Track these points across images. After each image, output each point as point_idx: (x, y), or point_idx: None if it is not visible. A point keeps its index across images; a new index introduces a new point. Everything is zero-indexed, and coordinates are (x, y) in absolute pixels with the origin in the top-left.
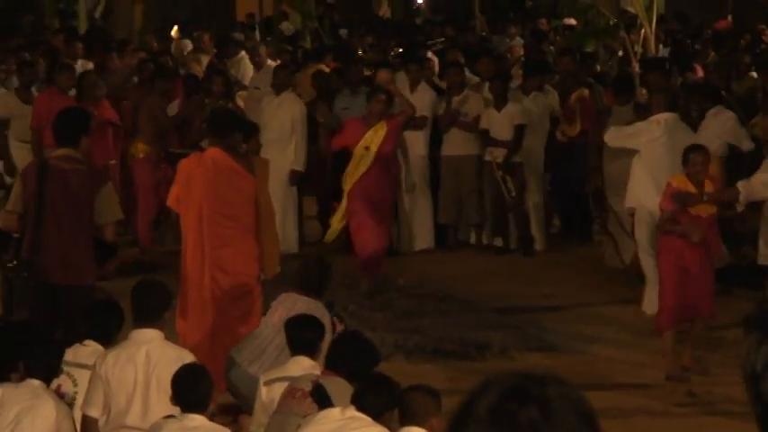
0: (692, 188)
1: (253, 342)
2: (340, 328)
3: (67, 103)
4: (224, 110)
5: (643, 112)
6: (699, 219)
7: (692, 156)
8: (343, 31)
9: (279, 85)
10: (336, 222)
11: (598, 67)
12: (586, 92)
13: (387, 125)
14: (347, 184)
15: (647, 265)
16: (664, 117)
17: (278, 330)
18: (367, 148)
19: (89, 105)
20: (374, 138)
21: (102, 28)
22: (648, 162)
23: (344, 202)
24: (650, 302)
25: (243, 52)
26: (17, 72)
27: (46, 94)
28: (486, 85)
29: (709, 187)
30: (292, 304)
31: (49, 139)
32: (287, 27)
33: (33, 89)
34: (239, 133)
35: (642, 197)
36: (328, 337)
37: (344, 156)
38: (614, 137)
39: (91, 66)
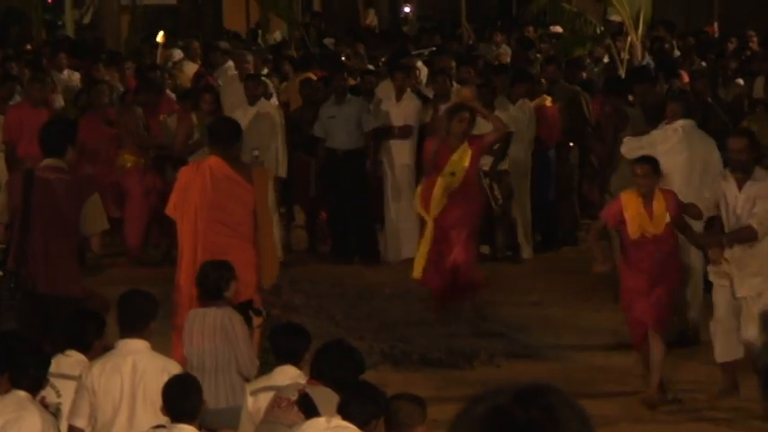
0: (640, 204)
1: None
2: (258, 322)
3: (38, 116)
4: (226, 119)
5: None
6: (645, 241)
7: (637, 168)
8: (328, 41)
9: (251, 96)
10: (422, 256)
11: (584, 75)
12: (548, 100)
13: (472, 148)
14: (432, 210)
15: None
16: (680, 124)
17: (203, 354)
18: (453, 174)
19: (98, 116)
20: (460, 162)
21: (91, 38)
22: (667, 171)
23: (429, 230)
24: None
25: (230, 61)
26: None
27: (16, 107)
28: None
29: (660, 202)
30: (202, 322)
31: (23, 151)
32: (278, 36)
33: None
34: (240, 143)
35: None
36: (247, 335)
37: (330, 163)
38: (631, 147)
39: (77, 76)
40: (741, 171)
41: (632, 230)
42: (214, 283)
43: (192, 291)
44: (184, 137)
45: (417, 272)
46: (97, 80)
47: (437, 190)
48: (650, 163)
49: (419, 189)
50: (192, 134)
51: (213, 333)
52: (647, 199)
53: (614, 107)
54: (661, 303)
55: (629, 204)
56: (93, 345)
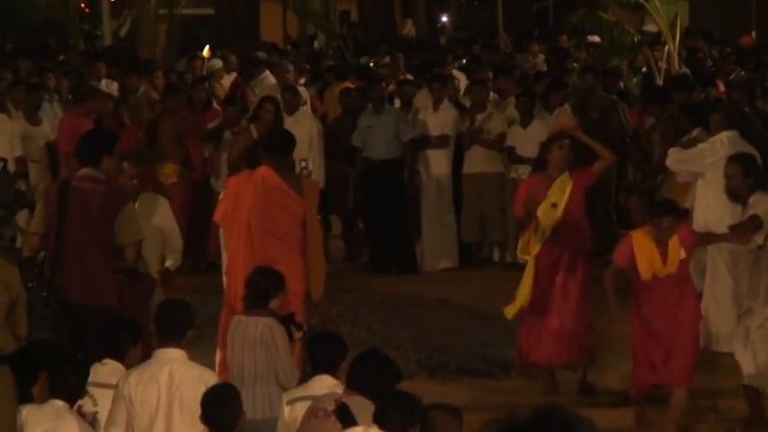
0: (652, 243)
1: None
2: (298, 336)
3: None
4: (280, 130)
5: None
6: (657, 282)
7: (659, 216)
8: (364, 59)
9: (288, 107)
10: (522, 298)
11: (621, 84)
12: None
13: (573, 179)
14: (532, 249)
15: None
16: (725, 135)
17: (242, 364)
18: (554, 205)
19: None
20: (560, 193)
21: (127, 48)
22: (714, 184)
23: (528, 271)
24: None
25: (267, 71)
26: (26, 95)
27: (70, 117)
28: (509, 102)
29: (674, 240)
30: (243, 332)
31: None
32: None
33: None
34: (292, 154)
35: (710, 221)
36: (287, 347)
37: (368, 173)
38: (677, 160)
39: (115, 86)
40: (733, 197)
41: (643, 270)
42: (263, 289)
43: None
44: (241, 148)
45: (510, 312)
46: (132, 89)
47: (536, 225)
48: (673, 212)
49: (522, 239)
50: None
51: (254, 344)
52: (662, 239)
53: (670, 115)
54: (687, 353)
55: (641, 244)
56: (128, 353)
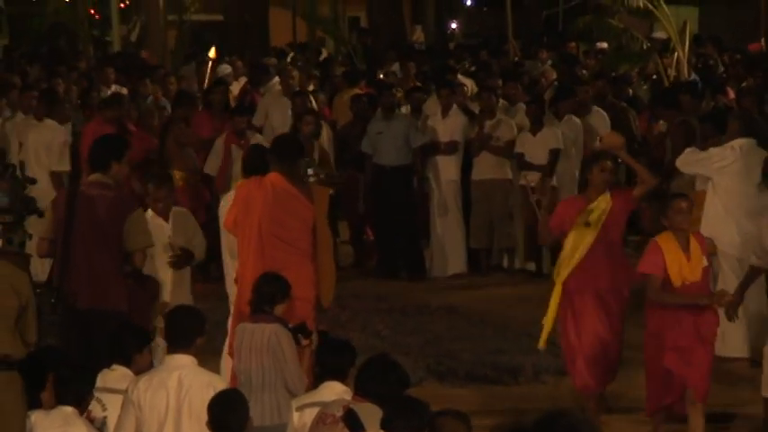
0: (680, 253)
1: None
2: (305, 342)
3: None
4: (290, 136)
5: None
6: (691, 287)
7: (673, 199)
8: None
9: (298, 112)
10: (548, 324)
11: (630, 91)
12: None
13: (614, 200)
14: (563, 270)
15: None
16: (739, 143)
17: (249, 371)
18: (587, 224)
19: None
20: (596, 212)
21: (137, 54)
22: (720, 190)
23: (555, 296)
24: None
25: (276, 78)
26: (37, 100)
27: (94, 124)
28: (519, 108)
29: (695, 245)
30: (250, 339)
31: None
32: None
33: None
34: (302, 160)
35: (717, 227)
36: (295, 353)
37: (378, 179)
38: (686, 161)
39: (125, 91)
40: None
41: (674, 276)
42: (269, 295)
43: None
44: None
45: (542, 342)
46: (143, 95)
47: (567, 245)
48: (683, 197)
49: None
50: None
51: (261, 351)
52: (683, 241)
53: (682, 121)
54: (704, 368)
55: (669, 248)
56: (134, 358)
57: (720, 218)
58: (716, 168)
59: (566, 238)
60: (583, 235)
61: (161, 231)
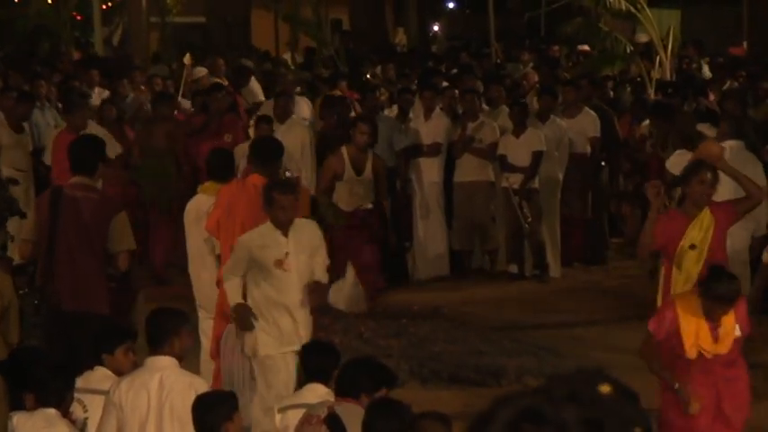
0: (702, 322)
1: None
2: None
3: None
4: (269, 138)
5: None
6: (704, 361)
7: (715, 301)
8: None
9: (281, 114)
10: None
11: (611, 93)
12: None
13: (714, 215)
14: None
15: None
16: (728, 144)
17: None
18: (693, 247)
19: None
20: (700, 233)
21: (120, 55)
22: None
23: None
24: None
25: (252, 78)
26: (16, 102)
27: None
28: (501, 111)
29: (729, 327)
30: (234, 341)
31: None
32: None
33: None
34: (280, 162)
35: None
36: None
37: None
38: (676, 164)
39: (107, 93)
40: None
41: (688, 347)
42: None
43: None
44: (331, 176)
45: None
46: (122, 95)
47: (675, 274)
48: (733, 299)
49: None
50: (340, 173)
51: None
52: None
53: (682, 121)
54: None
55: (687, 314)
56: (116, 354)
57: None
58: None
59: (666, 261)
60: (690, 257)
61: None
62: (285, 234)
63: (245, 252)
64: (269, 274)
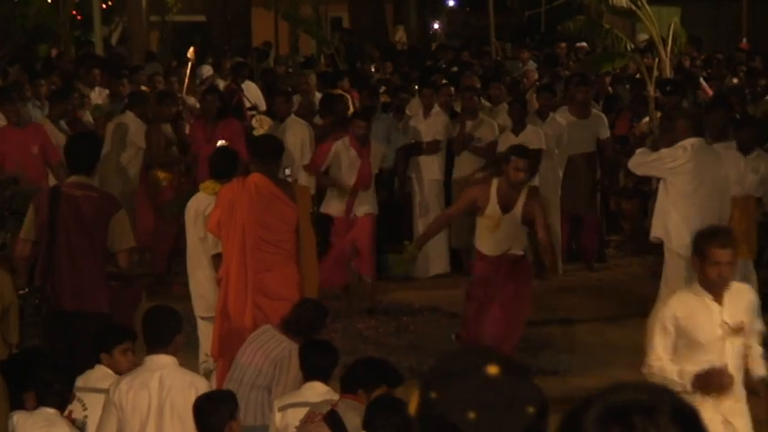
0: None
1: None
2: None
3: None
4: (270, 137)
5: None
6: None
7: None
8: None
9: (280, 113)
10: None
11: (610, 90)
12: None
13: None
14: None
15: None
16: (690, 142)
17: (244, 370)
18: None
19: None
20: None
21: (119, 54)
22: (672, 190)
23: None
24: None
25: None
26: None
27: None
28: (501, 109)
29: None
30: (265, 341)
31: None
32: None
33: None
34: (281, 161)
35: (668, 228)
36: (298, 374)
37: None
38: (638, 163)
39: (107, 93)
40: None
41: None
42: (310, 322)
43: (242, 309)
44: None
45: None
46: (120, 95)
47: None
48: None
49: None
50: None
51: (267, 355)
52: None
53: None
54: None
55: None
56: (114, 353)
57: (671, 218)
58: (668, 169)
59: None
60: None
61: None
62: None
63: None
64: None
